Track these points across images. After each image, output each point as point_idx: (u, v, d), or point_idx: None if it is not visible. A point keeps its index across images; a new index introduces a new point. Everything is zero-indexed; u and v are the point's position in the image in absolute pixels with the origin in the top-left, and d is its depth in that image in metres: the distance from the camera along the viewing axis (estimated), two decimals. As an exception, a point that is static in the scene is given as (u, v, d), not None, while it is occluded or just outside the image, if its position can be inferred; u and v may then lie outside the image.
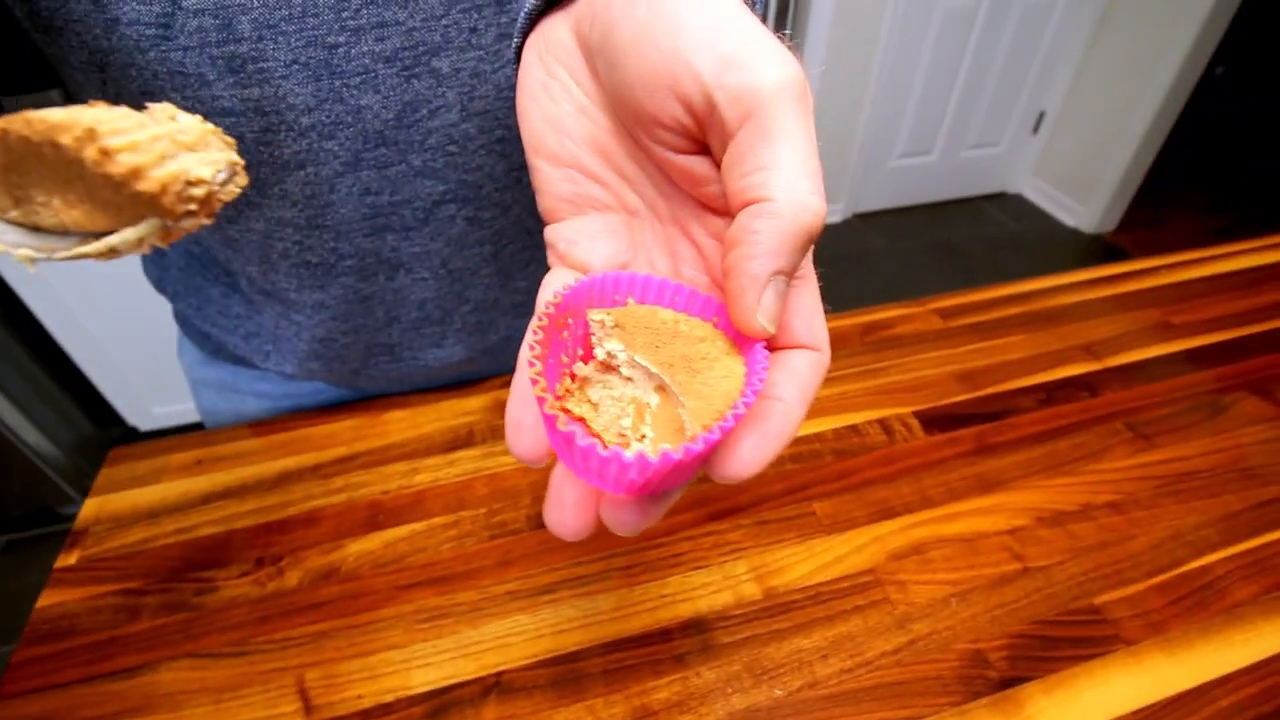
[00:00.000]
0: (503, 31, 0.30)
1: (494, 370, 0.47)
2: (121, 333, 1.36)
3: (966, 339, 0.51)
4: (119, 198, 0.15)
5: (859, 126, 2.19)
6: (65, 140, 0.14)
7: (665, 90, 0.16)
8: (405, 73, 0.29)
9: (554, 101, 0.19)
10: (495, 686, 0.32)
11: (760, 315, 0.15)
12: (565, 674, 0.32)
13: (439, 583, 0.36)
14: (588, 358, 0.17)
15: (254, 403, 0.47)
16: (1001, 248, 2.26)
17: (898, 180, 2.40)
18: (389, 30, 0.28)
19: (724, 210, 0.18)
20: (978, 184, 2.50)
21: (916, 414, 0.45)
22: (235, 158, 0.17)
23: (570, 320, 0.17)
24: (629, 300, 0.18)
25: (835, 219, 2.39)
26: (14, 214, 0.16)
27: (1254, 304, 0.55)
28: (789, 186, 0.15)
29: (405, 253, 0.36)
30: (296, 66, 0.28)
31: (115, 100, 0.30)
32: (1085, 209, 2.30)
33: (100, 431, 1.53)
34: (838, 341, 0.50)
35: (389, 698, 0.32)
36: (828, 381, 0.47)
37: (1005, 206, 2.49)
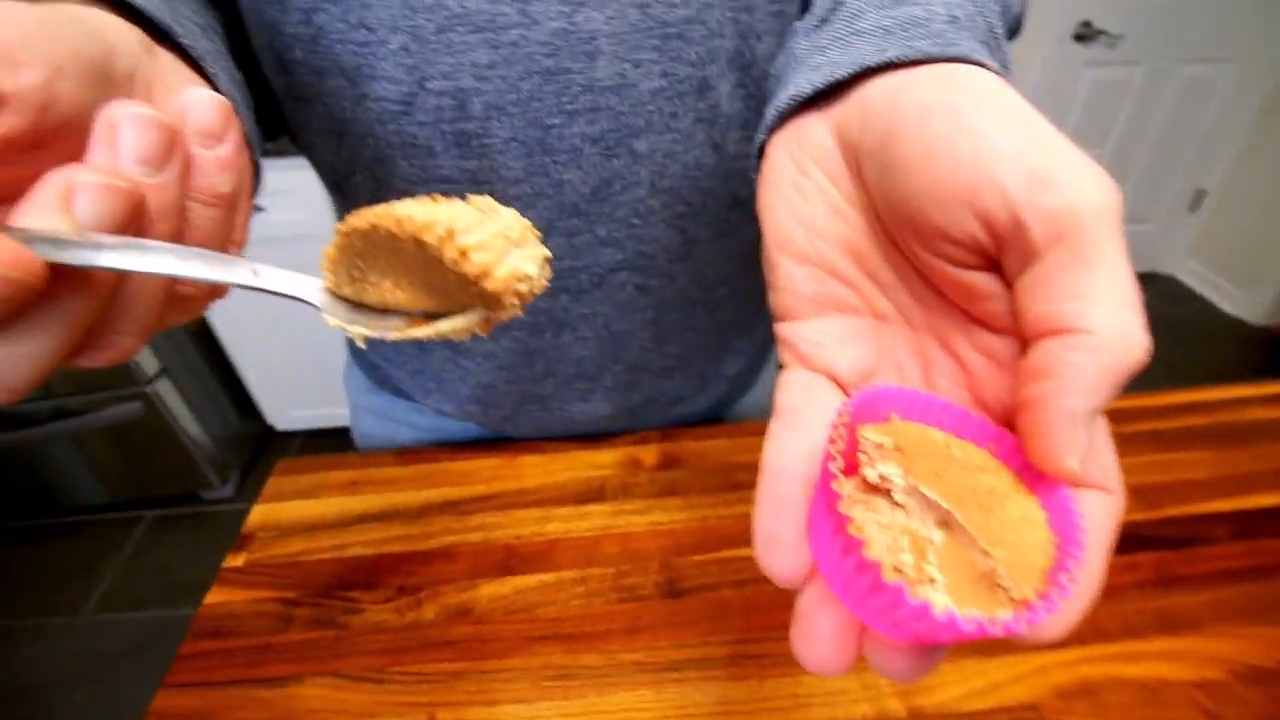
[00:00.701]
0: (699, 117, 0.32)
1: (628, 427, 0.48)
2: (274, 340, 1.50)
3: (1143, 448, 0.46)
4: (452, 286, 0.17)
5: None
6: (429, 239, 0.15)
7: (961, 204, 0.15)
8: (607, 152, 0.31)
9: (806, 200, 0.19)
10: (617, 763, 0.31)
11: (1072, 456, 0.14)
12: (689, 763, 0.31)
13: (566, 640, 0.36)
14: (849, 472, 0.15)
15: (407, 432, 0.50)
16: (1153, 333, 2.05)
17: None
18: (600, 114, 0.30)
19: (1002, 328, 0.16)
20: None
21: (1084, 528, 0.41)
22: (545, 251, 0.18)
23: (834, 441, 0.15)
24: (892, 416, 0.17)
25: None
26: (346, 291, 0.18)
27: None
28: (1111, 318, 0.14)
29: (574, 313, 0.38)
30: (515, 143, 0.30)
31: (349, 163, 0.33)
32: (1250, 296, 2.06)
33: (243, 426, 1.69)
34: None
35: (512, 754, 0.32)
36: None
37: (1157, 288, 2.28)
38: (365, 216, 0.16)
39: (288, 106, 0.33)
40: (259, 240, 1.13)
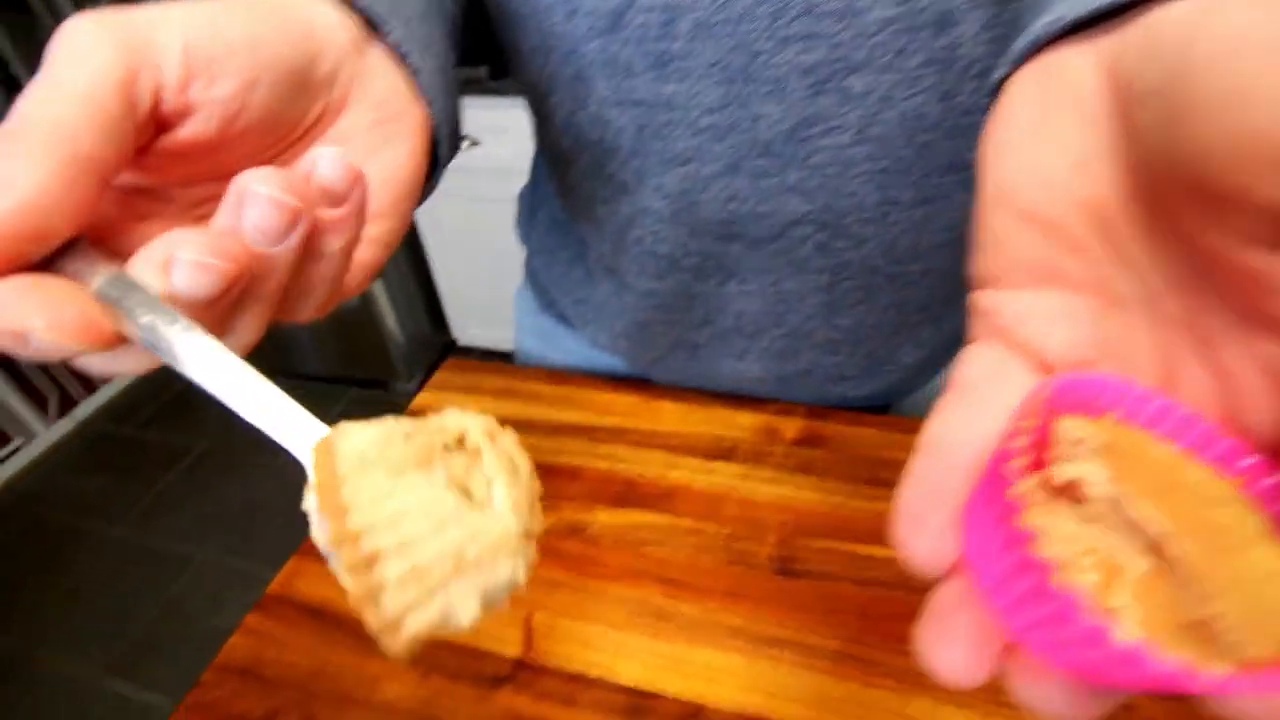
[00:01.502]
0: (932, 57, 0.28)
1: (777, 395, 0.46)
2: (471, 259, 1.65)
3: None
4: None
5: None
6: (341, 549, 0.13)
7: (1274, 163, 0.11)
8: (816, 87, 0.29)
9: (1045, 148, 0.15)
10: (695, 717, 0.30)
11: None
12: (767, 741, 0.29)
13: (668, 583, 0.35)
14: (1035, 468, 0.12)
15: (561, 356, 0.52)
16: None
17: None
18: (816, 43, 0.27)
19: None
20: None
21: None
22: (517, 578, 0.14)
23: (1023, 424, 0.13)
24: (1108, 415, 0.13)
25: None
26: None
27: None
28: None
29: (745, 264, 0.36)
30: (716, 69, 0.29)
31: (550, 81, 0.34)
32: None
33: (433, 335, 1.89)
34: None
35: (594, 672, 0.32)
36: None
37: None
38: (329, 466, 0.14)
39: (502, 25, 0.35)
40: (473, 170, 1.24)
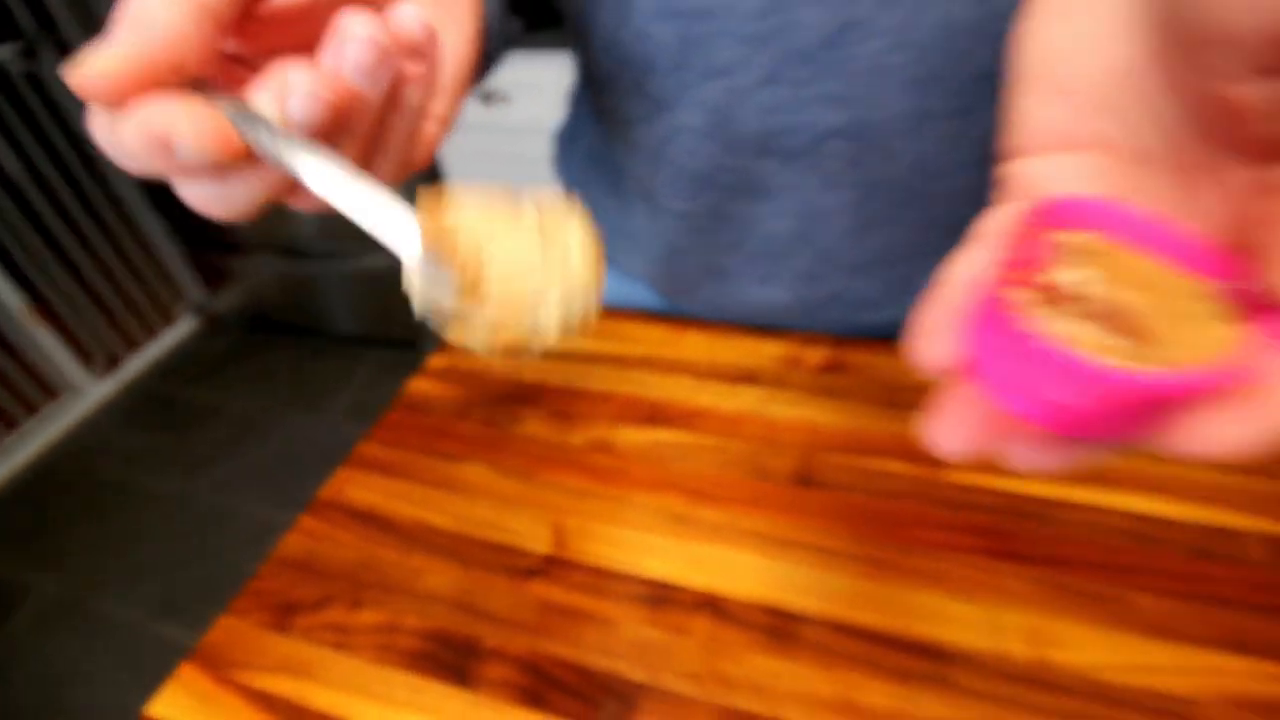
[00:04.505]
0: None
1: (804, 325, 0.47)
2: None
3: None
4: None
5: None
6: (465, 269, 0.17)
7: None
8: None
9: (1076, 22, 0.16)
10: (710, 605, 0.32)
11: None
12: (781, 627, 0.31)
13: (692, 493, 0.37)
14: (1027, 278, 0.14)
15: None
16: None
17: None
18: None
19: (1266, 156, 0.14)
20: None
21: (1341, 552, 0.33)
22: (591, 304, 0.18)
23: (1015, 243, 0.14)
24: (1094, 231, 0.14)
25: None
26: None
27: None
28: None
29: (777, 181, 0.37)
30: None
31: (593, 3, 0.35)
32: None
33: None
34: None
35: (620, 568, 0.34)
36: (1207, 462, 0.36)
37: None
38: (439, 217, 0.18)
39: None
40: (504, 128, 1.24)
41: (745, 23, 0.31)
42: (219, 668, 0.33)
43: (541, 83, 1.36)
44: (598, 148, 0.47)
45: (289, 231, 1.68)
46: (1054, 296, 0.13)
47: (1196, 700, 0.28)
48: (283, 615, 0.34)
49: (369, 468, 0.41)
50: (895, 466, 0.37)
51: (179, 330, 2.01)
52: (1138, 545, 0.33)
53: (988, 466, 0.37)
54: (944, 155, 0.35)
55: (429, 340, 1.84)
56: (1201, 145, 0.15)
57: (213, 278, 1.94)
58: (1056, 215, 0.14)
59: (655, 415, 0.42)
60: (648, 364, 0.46)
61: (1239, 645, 0.30)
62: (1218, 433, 0.12)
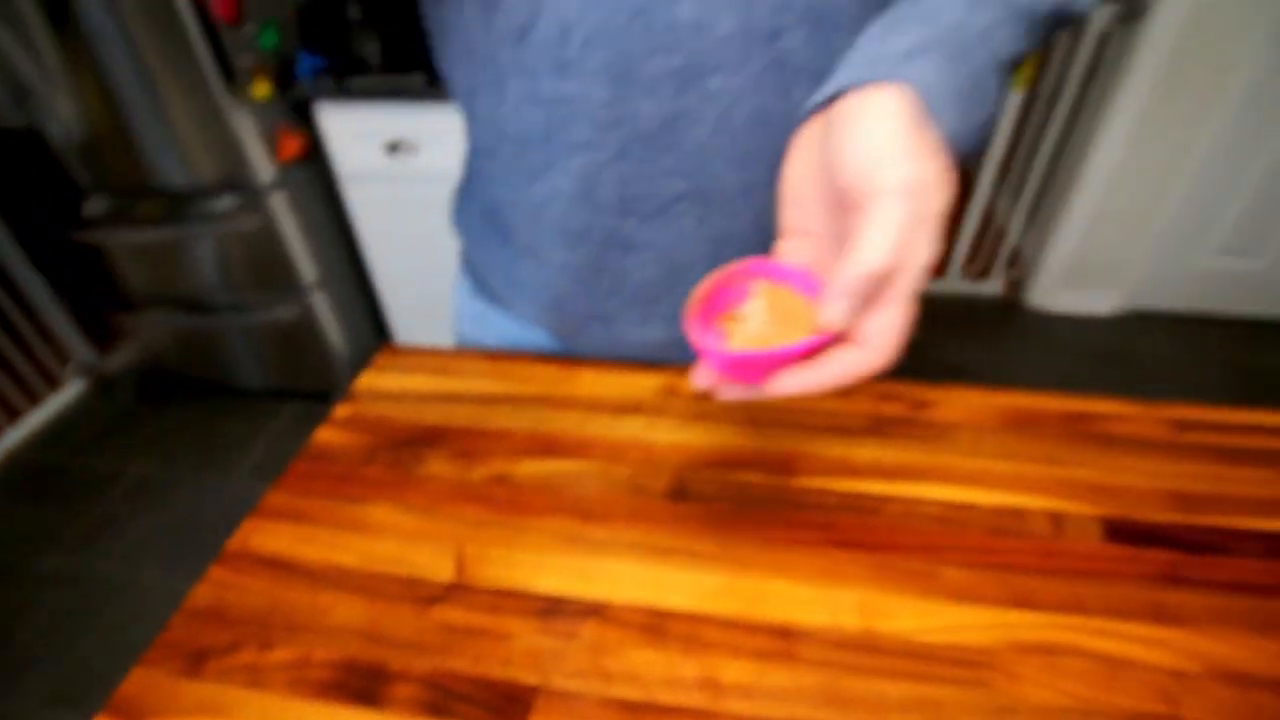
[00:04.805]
0: (768, 63, 0.35)
1: (680, 358, 0.53)
2: (412, 269, 1.68)
3: (1196, 459, 0.44)
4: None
5: (1162, 209, 1.88)
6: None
7: (841, 174, 0.26)
8: (680, 87, 0.36)
9: (800, 162, 0.30)
10: (595, 613, 0.37)
11: (825, 316, 0.26)
12: (655, 624, 0.36)
13: (581, 514, 0.42)
14: (727, 305, 0.30)
15: (495, 336, 0.58)
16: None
17: (1204, 282, 2.01)
18: (678, 51, 0.35)
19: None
20: (1322, 308, 1.99)
21: (1102, 519, 0.41)
22: None
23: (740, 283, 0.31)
24: (763, 283, 0.30)
25: (1104, 309, 2.08)
26: None
27: None
28: (870, 249, 0.24)
29: (639, 237, 0.43)
30: (604, 72, 0.36)
31: (473, 81, 0.42)
32: None
33: (374, 341, 1.90)
34: (1028, 421, 0.47)
35: (518, 587, 0.38)
36: (1007, 455, 0.44)
37: (1355, 342, 1.95)
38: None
39: (434, 35, 0.42)
40: (412, 176, 1.29)
41: (596, 110, 0.38)
42: (134, 717, 0.34)
43: (445, 133, 1.41)
44: (488, 206, 0.52)
45: (188, 284, 1.63)
46: (736, 316, 0.30)
47: (995, 650, 0.35)
48: (195, 662, 0.36)
49: (276, 516, 0.44)
50: (754, 477, 0.43)
51: (65, 395, 1.88)
52: (946, 528, 0.40)
53: (831, 471, 0.43)
54: (775, 213, 0.42)
55: (341, 390, 1.80)
56: (833, 231, 0.28)
57: (103, 337, 1.83)
58: (757, 269, 0.30)
59: (550, 447, 0.47)
60: (542, 401, 0.50)
61: (1027, 603, 0.37)
62: (794, 380, 0.26)
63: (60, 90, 1.32)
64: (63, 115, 1.36)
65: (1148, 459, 0.44)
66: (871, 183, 0.25)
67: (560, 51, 0.36)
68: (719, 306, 0.30)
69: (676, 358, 0.52)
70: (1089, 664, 0.34)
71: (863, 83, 0.27)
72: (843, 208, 0.26)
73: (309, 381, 1.80)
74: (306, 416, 1.82)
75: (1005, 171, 2.21)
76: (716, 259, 0.44)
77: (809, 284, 0.28)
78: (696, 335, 0.28)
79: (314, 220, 1.59)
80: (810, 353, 0.27)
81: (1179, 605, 0.36)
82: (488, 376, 0.53)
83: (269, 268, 1.55)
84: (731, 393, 0.29)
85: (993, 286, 2.19)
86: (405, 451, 0.47)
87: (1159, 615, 0.36)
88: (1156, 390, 1.78)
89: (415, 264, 1.66)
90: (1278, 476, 0.43)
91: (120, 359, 1.87)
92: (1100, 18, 1.72)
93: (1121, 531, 0.40)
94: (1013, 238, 2.21)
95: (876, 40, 0.30)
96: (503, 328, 0.58)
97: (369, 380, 0.54)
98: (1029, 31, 0.32)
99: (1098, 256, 1.99)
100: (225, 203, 1.45)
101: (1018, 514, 0.41)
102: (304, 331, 1.67)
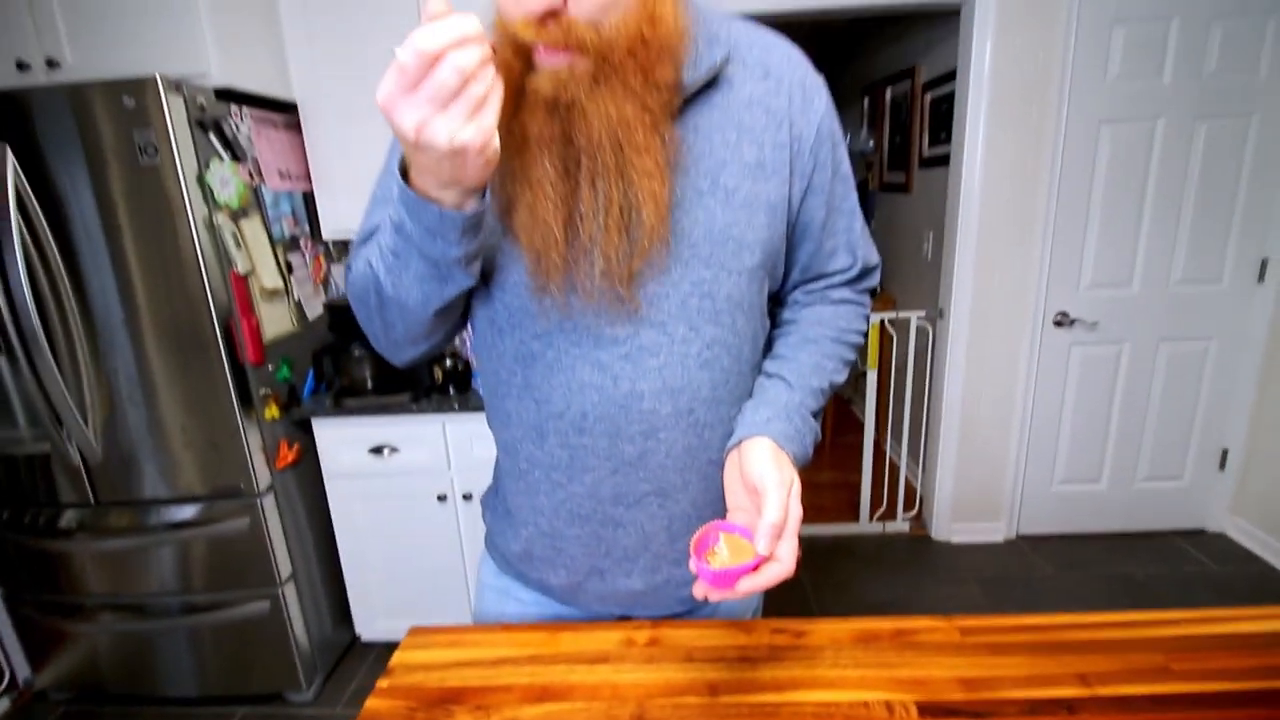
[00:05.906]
0: (690, 424, 0.66)
1: (648, 612, 0.75)
2: (382, 555, 1.82)
3: (977, 653, 0.67)
4: None
5: (1012, 446, 2.31)
6: None
7: (748, 479, 0.56)
8: (645, 438, 0.66)
9: (732, 474, 0.61)
10: (592, 811, 0.53)
11: (759, 548, 0.52)
12: (633, 813, 0.52)
13: (572, 742, 0.59)
14: (712, 544, 0.56)
15: (515, 607, 0.80)
16: (1197, 589, 2.06)
17: (1067, 506, 2.38)
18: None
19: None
20: (1164, 518, 2.37)
21: (918, 703, 0.61)
22: None
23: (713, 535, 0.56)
24: (722, 534, 0.56)
25: (996, 538, 2.38)
26: None
27: (1261, 663, 0.64)
28: (769, 513, 0.53)
29: (626, 518, 0.69)
30: (604, 434, 0.65)
31: (506, 454, 0.71)
32: (1308, 561, 2.05)
33: (335, 634, 1.93)
34: (869, 639, 0.69)
35: (532, 803, 0.54)
36: (856, 664, 0.66)
37: (1205, 545, 2.29)
38: None
39: (492, 411, 0.74)
40: (390, 474, 1.61)
41: (600, 451, 0.66)
42: None
43: (422, 437, 1.69)
44: (511, 509, 0.77)
45: (144, 588, 1.68)
46: (713, 552, 0.53)
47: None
48: None
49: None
50: (692, 700, 0.62)
51: (-15, 726, 1.75)
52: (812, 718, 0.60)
53: (744, 689, 0.63)
54: (707, 497, 0.70)
55: (297, 688, 1.78)
56: (752, 506, 0.55)
57: (40, 647, 1.79)
58: (720, 527, 0.54)
59: (543, 695, 0.65)
60: (535, 660, 0.69)
61: (879, 768, 0.55)
62: (747, 583, 0.52)
63: (89, 421, 1.54)
64: (81, 442, 1.56)
65: (945, 656, 0.67)
66: (764, 483, 0.55)
67: (581, 423, 0.65)
68: (703, 548, 0.55)
69: (650, 603, 0.75)
70: (914, 801, 0.52)
71: (750, 436, 0.60)
72: (754, 494, 0.56)
73: (260, 682, 1.77)
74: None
75: (894, 431, 2.67)
76: (670, 530, 0.70)
77: (746, 533, 0.55)
78: (694, 564, 0.52)
79: (297, 518, 1.76)
80: (755, 568, 0.52)
81: (966, 754, 0.56)
82: (492, 645, 0.72)
83: (245, 565, 1.66)
84: (715, 596, 0.52)
85: (900, 526, 2.49)
86: (438, 710, 0.64)
87: (955, 763, 0.55)
88: (1049, 606, 2.00)
89: (383, 550, 1.81)
90: (1032, 660, 0.66)
91: (53, 672, 1.80)
92: (915, 318, 2.33)
93: (929, 710, 0.61)
94: (907, 482, 2.58)
95: (750, 412, 0.64)
96: (524, 598, 0.80)
97: (401, 657, 0.71)
98: (826, 397, 0.67)
99: (978, 493, 2.36)
100: (217, 508, 1.61)
101: (865, 705, 0.61)
102: (268, 629, 1.71)
